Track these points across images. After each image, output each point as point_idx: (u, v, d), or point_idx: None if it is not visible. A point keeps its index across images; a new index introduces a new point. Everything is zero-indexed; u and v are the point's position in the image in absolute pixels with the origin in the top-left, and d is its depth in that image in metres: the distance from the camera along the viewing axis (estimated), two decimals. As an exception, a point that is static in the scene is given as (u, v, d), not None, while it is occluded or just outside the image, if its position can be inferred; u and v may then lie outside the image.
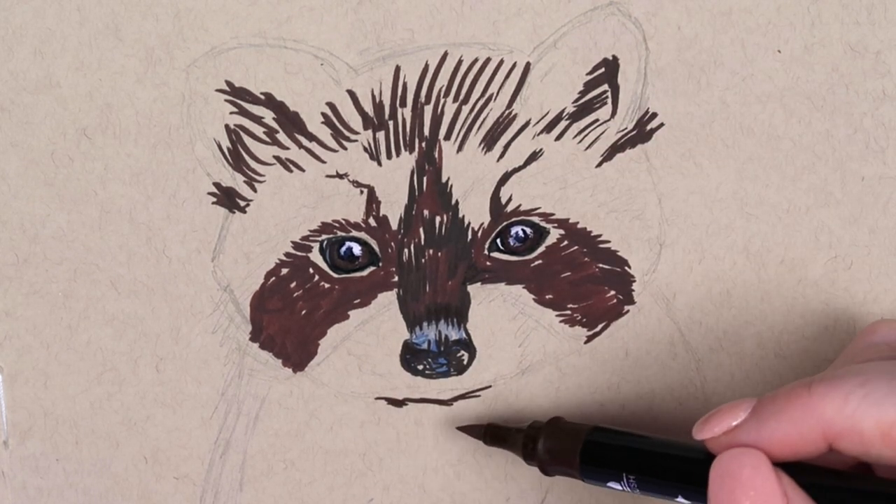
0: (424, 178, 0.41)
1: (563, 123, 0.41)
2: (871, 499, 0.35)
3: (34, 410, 0.43)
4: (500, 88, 0.40)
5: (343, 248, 0.42)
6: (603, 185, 0.42)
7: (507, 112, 0.41)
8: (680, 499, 0.38)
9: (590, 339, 0.43)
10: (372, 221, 0.41)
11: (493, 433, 0.43)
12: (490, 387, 0.44)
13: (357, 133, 0.41)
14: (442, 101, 0.40)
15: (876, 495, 0.35)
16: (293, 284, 0.42)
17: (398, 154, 0.41)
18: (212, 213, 0.41)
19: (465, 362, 0.43)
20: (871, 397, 0.34)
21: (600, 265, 0.43)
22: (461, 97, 0.40)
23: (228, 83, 0.40)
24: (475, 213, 0.42)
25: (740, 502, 0.35)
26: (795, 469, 0.35)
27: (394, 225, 0.41)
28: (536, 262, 0.42)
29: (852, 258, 0.43)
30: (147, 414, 0.43)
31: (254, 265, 0.42)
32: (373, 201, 0.41)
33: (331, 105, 0.40)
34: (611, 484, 0.40)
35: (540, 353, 0.43)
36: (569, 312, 0.43)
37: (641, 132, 0.41)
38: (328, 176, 0.41)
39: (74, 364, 0.42)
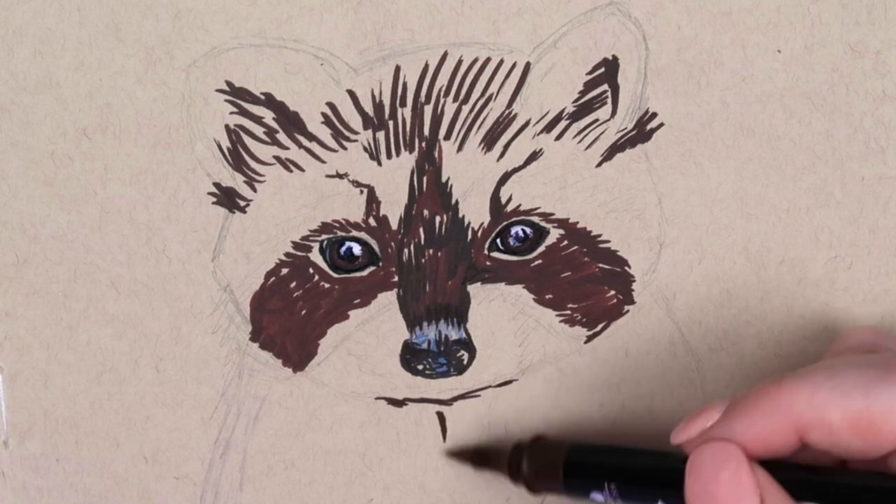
0: (424, 178, 0.41)
1: (563, 123, 0.41)
2: (847, 490, 0.35)
3: (34, 410, 0.43)
4: (500, 88, 0.40)
5: (343, 248, 0.42)
6: (603, 184, 0.42)
7: (507, 112, 0.41)
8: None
9: (590, 338, 0.43)
10: (372, 221, 0.41)
11: (480, 456, 0.44)
12: (490, 387, 0.44)
13: (357, 133, 0.41)
14: (442, 100, 0.40)
15: (851, 487, 0.35)
16: (293, 284, 0.42)
17: (398, 154, 0.41)
18: (212, 213, 0.41)
19: (465, 362, 0.43)
20: (839, 388, 0.34)
21: (600, 265, 0.43)
22: (461, 97, 0.40)
23: (228, 83, 0.40)
24: (475, 213, 0.42)
25: (714, 494, 0.35)
26: (770, 466, 0.36)
27: (394, 225, 0.41)
28: (536, 262, 0.42)
29: (852, 258, 0.43)
30: (147, 414, 0.43)
31: (254, 265, 0.42)
32: (373, 201, 0.41)
33: (331, 105, 0.40)
34: (594, 495, 0.40)
35: (540, 353, 0.43)
36: (569, 312, 0.43)
37: (641, 132, 0.41)
38: (328, 176, 0.41)
39: (74, 364, 0.42)
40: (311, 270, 0.42)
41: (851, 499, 0.35)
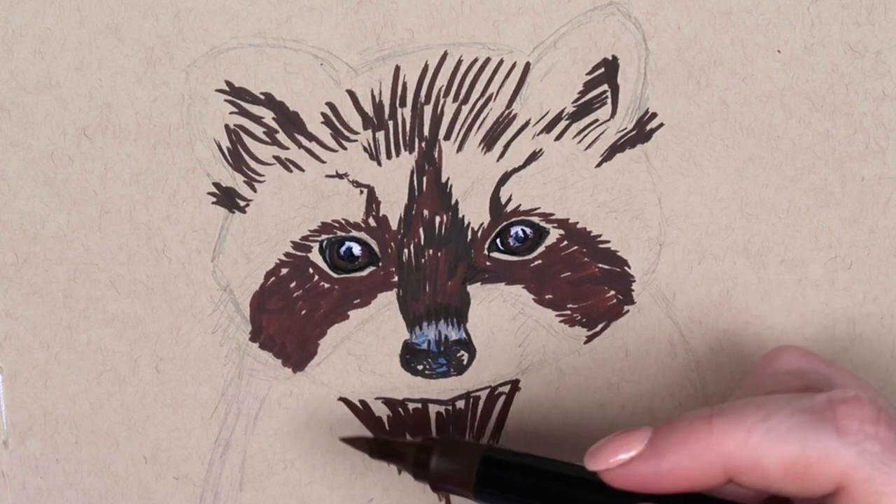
0: (424, 178, 0.41)
1: (563, 123, 0.41)
2: None
3: (34, 410, 0.43)
4: (499, 88, 0.40)
5: (343, 248, 0.42)
6: (603, 185, 0.42)
7: (506, 112, 0.41)
8: None
9: (590, 339, 0.43)
10: (372, 221, 0.41)
11: (380, 447, 0.41)
12: (490, 387, 0.44)
13: (357, 133, 0.41)
14: (442, 100, 0.40)
15: None
16: (293, 284, 0.42)
17: (398, 154, 0.41)
18: (212, 213, 0.41)
19: (464, 362, 0.43)
20: (773, 432, 0.34)
21: (600, 265, 0.43)
22: (461, 97, 0.40)
23: (228, 83, 0.40)
24: (475, 213, 0.42)
25: None
26: (692, 500, 0.35)
27: (394, 225, 0.41)
28: (536, 262, 0.42)
29: (852, 258, 0.43)
30: (147, 414, 0.43)
31: (254, 265, 0.42)
32: (373, 201, 0.41)
33: (331, 105, 0.40)
34: None
35: (540, 353, 0.43)
36: (568, 312, 0.43)
37: (641, 132, 0.41)
38: (328, 176, 0.41)
39: (74, 364, 0.42)
40: (310, 270, 0.42)
41: None
